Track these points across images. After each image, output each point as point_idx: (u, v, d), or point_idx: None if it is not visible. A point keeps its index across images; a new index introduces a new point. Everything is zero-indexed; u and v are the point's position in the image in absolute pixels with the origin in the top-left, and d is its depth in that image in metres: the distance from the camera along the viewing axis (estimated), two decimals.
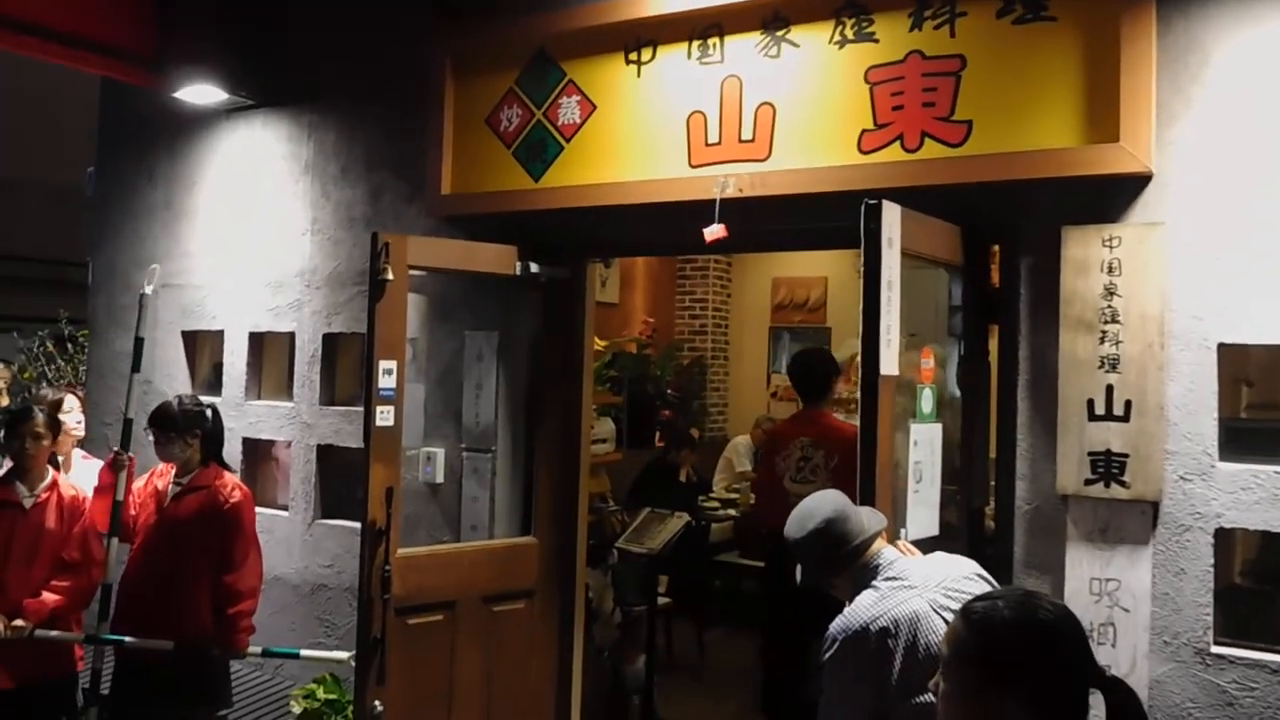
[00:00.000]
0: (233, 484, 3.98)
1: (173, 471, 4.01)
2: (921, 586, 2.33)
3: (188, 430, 3.95)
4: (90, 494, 4.19)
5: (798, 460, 4.78)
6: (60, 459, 4.40)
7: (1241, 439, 3.31)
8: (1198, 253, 3.29)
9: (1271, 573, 3.43)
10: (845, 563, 2.43)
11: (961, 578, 2.38)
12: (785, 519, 4.81)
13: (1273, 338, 3.19)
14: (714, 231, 3.92)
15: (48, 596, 3.90)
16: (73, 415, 4.54)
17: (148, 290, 4.42)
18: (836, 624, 2.35)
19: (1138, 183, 3.37)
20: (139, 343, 4.35)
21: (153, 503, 3.98)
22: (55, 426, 4.10)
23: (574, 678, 4.72)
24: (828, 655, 2.33)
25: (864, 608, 2.32)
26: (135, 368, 4.31)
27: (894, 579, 2.36)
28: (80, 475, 4.40)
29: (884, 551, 2.45)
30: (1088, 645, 1.68)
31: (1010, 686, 1.61)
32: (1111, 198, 3.42)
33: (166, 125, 5.99)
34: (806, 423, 4.92)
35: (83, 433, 4.70)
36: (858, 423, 3.08)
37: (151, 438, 4.00)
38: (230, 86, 5.48)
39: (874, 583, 2.38)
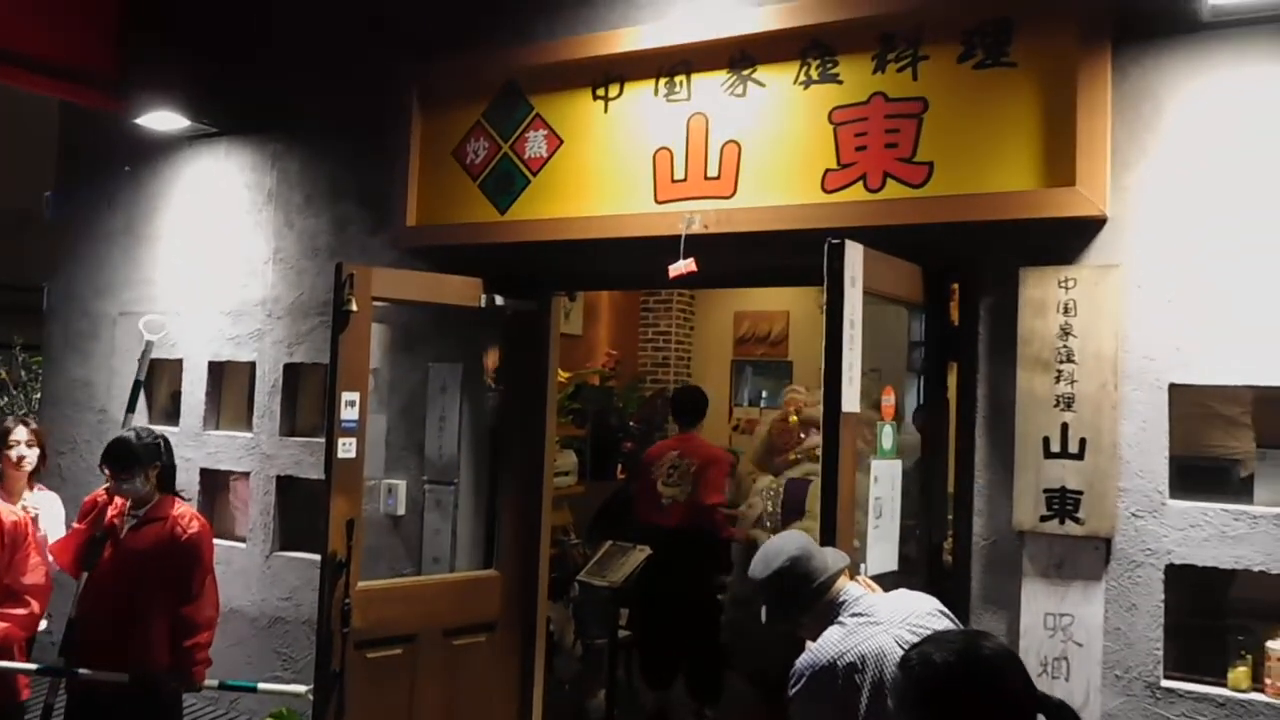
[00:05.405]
0: (190, 515, 3.91)
1: (126, 503, 3.93)
2: (887, 623, 2.36)
3: (149, 463, 3.88)
4: (45, 523, 4.17)
5: (668, 469, 5.75)
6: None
7: (1191, 476, 3.39)
8: (1151, 295, 3.38)
9: (1219, 608, 3.50)
10: (810, 600, 2.45)
11: (925, 614, 2.41)
12: (657, 516, 5.67)
13: (1222, 379, 3.29)
14: (681, 267, 3.96)
15: None
16: (17, 449, 4.29)
17: (153, 339, 4.66)
18: (803, 659, 2.37)
19: (1093, 226, 3.46)
20: (137, 385, 4.55)
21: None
22: None
23: (535, 711, 4.71)
24: (794, 690, 2.35)
25: (831, 643, 2.35)
26: (130, 408, 4.52)
27: (860, 615, 2.39)
28: (34, 506, 4.31)
29: (849, 588, 2.48)
30: (1028, 678, 1.76)
31: None
32: (1068, 240, 3.50)
33: (128, 150, 5.93)
34: (679, 442, 5.92)
35: (32, 465, 4.36)
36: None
37: (109, 474, 3.87)
38: (193, 114, 5.45)
39: (840, 619, 2.40)
